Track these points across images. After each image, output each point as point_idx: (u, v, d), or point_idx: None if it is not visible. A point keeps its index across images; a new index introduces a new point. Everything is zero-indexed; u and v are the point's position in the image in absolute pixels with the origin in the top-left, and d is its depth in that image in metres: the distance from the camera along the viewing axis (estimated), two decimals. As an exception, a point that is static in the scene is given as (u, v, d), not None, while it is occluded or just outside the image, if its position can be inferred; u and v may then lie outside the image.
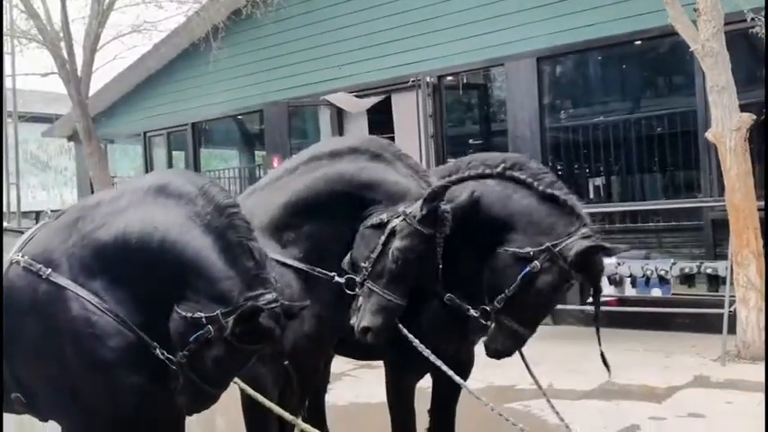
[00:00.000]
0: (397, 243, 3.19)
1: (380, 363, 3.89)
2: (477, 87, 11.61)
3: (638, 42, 9.49)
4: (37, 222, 3.97)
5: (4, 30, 13.06)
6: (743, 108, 7.02)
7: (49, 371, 2.92)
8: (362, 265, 3.26)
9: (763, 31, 7.01)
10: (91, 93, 13.26)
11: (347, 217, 3.34)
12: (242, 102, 12.92)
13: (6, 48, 15.02)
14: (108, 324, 2.82)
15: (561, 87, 10.79)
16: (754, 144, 7.43)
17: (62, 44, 12.49)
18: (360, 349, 3.74)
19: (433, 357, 3.47)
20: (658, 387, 6.30)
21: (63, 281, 2.87)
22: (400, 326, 3.39)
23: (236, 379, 3.03)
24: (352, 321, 3.28)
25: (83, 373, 2.84)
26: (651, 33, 8.84)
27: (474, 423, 3.73)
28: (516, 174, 3.50)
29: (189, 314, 2.68)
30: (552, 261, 3.30)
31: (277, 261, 3.27)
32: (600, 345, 3.51)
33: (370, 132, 11.22)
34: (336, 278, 3.33)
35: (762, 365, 5.98)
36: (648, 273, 8.02)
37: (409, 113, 10.70)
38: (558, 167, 10.03)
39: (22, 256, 2.97)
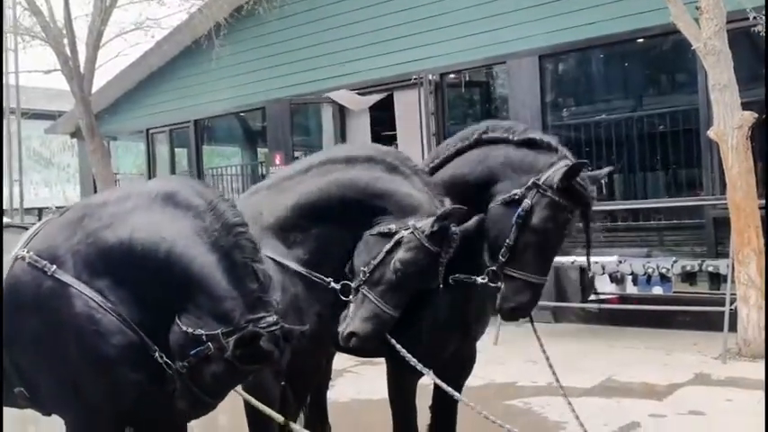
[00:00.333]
0: (400, 254, 3.19)
1: (382, 359, 3.89)
2: (479, 85, 11.61)
3: (640, 40, 9.50)
4: (40, 219, 3.98)
5: (8, 27, 13.12)
6: (745, 106, 7.02)
7: (51, 366, 2.95)
8: (362, 269, 3.26)
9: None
10: (94, 90, 13.27)
11: (355, 224, 3.33)
12: (244, 99, 12.92)
13: (10, 45, 15.06)
14: (110, 322, 2.84)
15: (563, 85, 10.78)
16: (755, 142, 7.43)
17: (65, 41, 12.50)
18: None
19: (421, 367, 3.45)
20: (659, 384, 6.30)
21: (67, 278, 2.89)
22: (390, 338, 3.38)
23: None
24: (339, 329, 3.26)
25: (85, 368, 2.87)
26: (653, 31, 8.85)
27: (475, 420, 3.74)
28: (490, 135, 3.53)
29: (190, 330, 2.71)
30: (542, 194, 3.29)
31: (275, 262, 3.28)
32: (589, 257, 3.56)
33: (372, 129, 11.24)
34: (332, 284, 3.33)
35: (762, 363, 5.99)
36: (650, 271, 8.01)
37: (411, 111, 10.70)
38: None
39: (28, 252, 2.99)
